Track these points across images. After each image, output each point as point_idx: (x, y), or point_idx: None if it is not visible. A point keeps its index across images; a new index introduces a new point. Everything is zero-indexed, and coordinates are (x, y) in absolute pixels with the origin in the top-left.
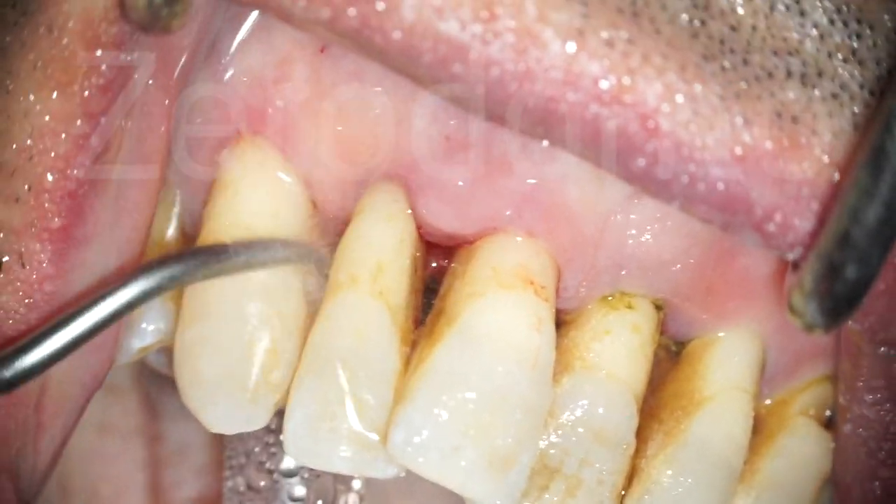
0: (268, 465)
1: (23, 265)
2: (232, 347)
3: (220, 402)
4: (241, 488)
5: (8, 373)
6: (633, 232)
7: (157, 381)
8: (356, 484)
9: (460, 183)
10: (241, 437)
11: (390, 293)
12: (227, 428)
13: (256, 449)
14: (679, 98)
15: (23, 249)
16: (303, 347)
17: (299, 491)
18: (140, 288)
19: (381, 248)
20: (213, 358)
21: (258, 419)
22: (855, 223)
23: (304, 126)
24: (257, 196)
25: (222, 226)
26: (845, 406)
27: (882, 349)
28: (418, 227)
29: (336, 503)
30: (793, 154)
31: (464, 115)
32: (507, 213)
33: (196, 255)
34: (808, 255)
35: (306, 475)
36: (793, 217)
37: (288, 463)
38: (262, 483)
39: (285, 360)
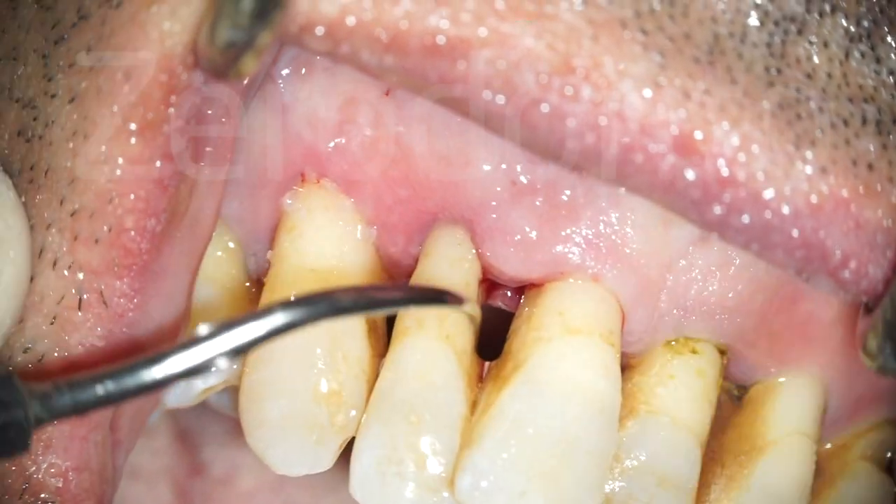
0: None
1: (104, 304)
2: (298, 390)
3: (286, 444)
4: None
5: (115, 388)
6: (698, 277)
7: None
8: None
9: (526, 228)
10: None
11: (457, 337)
12: (293, 470)
13: None
14: (755, 148)
15: (102, 287)
16: (368, 389)
17: None
18: (272, 324)
19: None
20: (279, 400)
21: (323, 461)
22: None
23: (369, 169)
24: (322, 239)
25: (287, 268)
26: None
27: None
28: (483, 270)
29: None
30: (868, 202)
31: (530, 159)
32: (573, 258)
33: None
34: (883, 298)
35: None
36: (867, 264)
37: None
38: None
39: (351, 403)
